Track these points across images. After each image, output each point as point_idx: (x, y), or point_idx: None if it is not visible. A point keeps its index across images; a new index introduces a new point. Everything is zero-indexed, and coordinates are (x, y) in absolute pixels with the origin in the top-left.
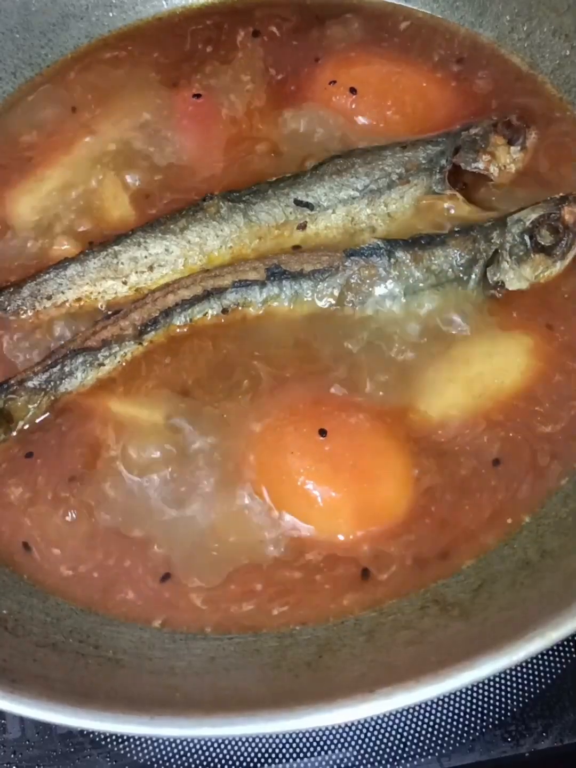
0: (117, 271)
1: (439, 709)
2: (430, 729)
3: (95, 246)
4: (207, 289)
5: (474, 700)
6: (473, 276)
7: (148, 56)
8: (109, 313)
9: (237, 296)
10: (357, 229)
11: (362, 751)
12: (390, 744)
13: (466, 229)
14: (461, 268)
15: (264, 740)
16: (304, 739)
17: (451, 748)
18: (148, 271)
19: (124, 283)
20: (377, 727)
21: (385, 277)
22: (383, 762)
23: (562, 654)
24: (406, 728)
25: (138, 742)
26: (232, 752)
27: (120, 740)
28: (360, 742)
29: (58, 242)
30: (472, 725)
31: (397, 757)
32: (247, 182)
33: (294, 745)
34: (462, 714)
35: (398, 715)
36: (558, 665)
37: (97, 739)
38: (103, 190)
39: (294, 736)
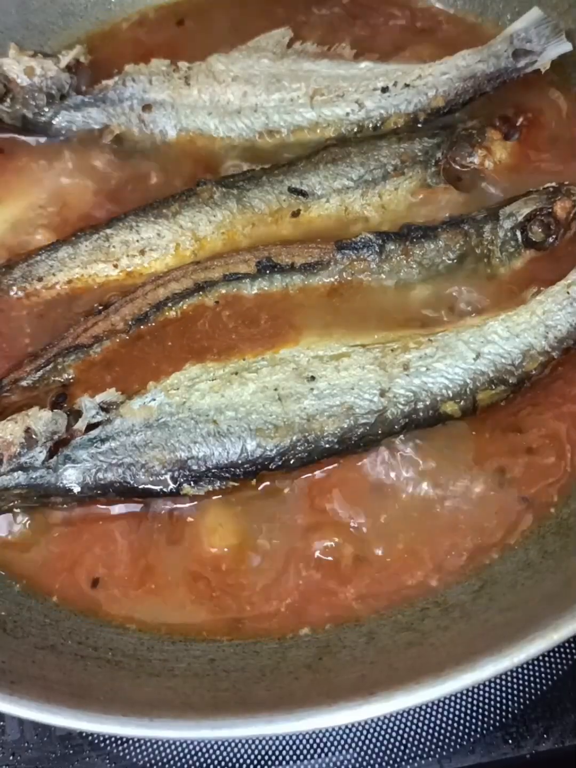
0: (108, 254)
1: (440, 710)
2: (430, 731)
3: (87, 229)
4: (197, 283)
5: (475, 702)
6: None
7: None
8: (100, 308)
9: (227, 289)
10: (350, 219)
11: (362, 753)
12: (390, 746)
13: (457, 223)
14: (452, 263)
15: (264, 742)
16: (304, 741)
17: (451, 750)
18: (139, 255)
19: (115, 266)
20: (378, 729)
21: (376, 271)
22: (384, 764)
23: (563, 655)
24: (407, 730)
25: (137, 744)
26: (231, 754)
27: (119, 742)
28: (360, 744)
29: (36, 233)
30: (473, 727)
31: (398, 759)
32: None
33: (294, 747)
34: (463, 716)
35: (399, 717)
36: (559, 667)
37: (96, 740)
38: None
39: (294, 738)
